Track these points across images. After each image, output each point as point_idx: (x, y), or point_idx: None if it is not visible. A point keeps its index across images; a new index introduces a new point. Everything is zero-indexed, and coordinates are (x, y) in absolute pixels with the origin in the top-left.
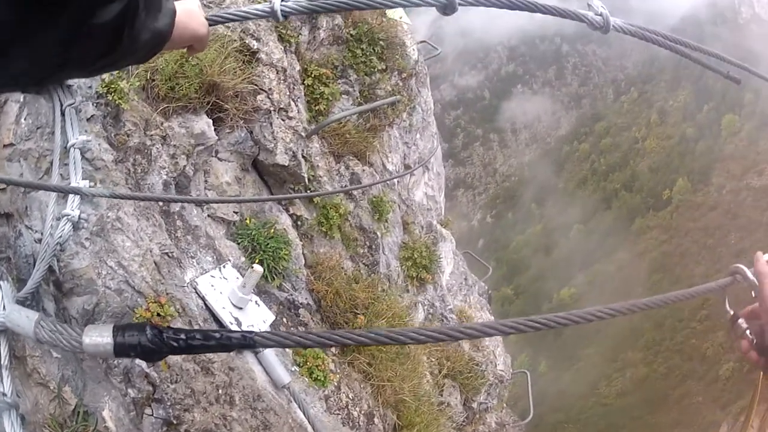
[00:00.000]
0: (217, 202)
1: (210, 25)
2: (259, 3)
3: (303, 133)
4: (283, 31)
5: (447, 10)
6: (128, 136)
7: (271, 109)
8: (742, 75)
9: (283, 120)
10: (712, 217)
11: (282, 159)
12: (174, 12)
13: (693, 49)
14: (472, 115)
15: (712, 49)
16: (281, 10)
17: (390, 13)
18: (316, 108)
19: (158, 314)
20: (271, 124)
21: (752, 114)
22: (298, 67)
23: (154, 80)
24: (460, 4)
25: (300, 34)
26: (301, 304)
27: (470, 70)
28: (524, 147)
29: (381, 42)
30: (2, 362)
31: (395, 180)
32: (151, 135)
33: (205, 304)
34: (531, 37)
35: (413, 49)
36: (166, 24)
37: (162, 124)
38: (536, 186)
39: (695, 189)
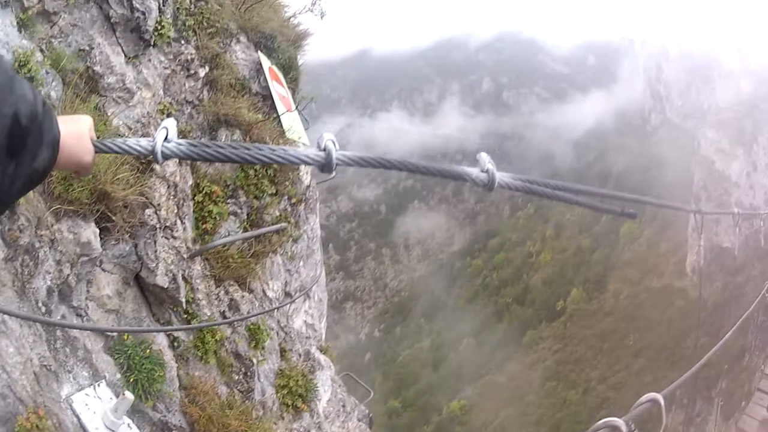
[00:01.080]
0: (86, 329)
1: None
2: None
3: (185, 255)
4: None
5: (324, 169)
6: (21, 231)
7: (157, 226)
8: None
9: (168, 239)
10: (608, 322)
11: (162, 281)
12: (57, 142)
13: (581, 193)
14: (366, 229)
15: (604, 190)
16: (161, 152)
17: (289, 133)
18: (204, 226)
19: (37, 426)
20: (155, 242)
21: (653, 219)
22: (190, 182)
23: (51, 175)
24: (337, 165)
25: None
26: (173, 426)
27: (369, 183)
28: (416, 263)
29: (274, 165)
30: None
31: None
32: (41, 236)
33: (80, 423)
34: (433, 153)
35: (306, 173)
36: (45, 159)
37: (52, 225)
38: (426, 301)
39: (590, 297)
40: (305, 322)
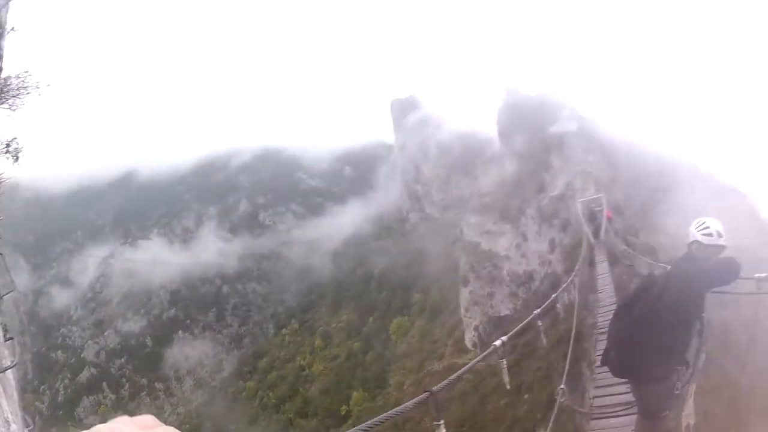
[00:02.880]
0: None
1: None
2: None
3: None
4: None
5: None
6: None
7: None
8: None
9: None
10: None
11: None
12: None
13: None
14: (136, 364)
15: None
16: None
17: None
18: None
19: None
20: None
21: (422, 311)
22: None
23: None
24: None
25: None
26: None
27: (134, 315)
28: (190, 393)
29: None
30: None
31: None
32: None
33: None
34: (192, 280)
35: None
36: None
37: None
38: (208, 430)
39: (373, 396)
40: None
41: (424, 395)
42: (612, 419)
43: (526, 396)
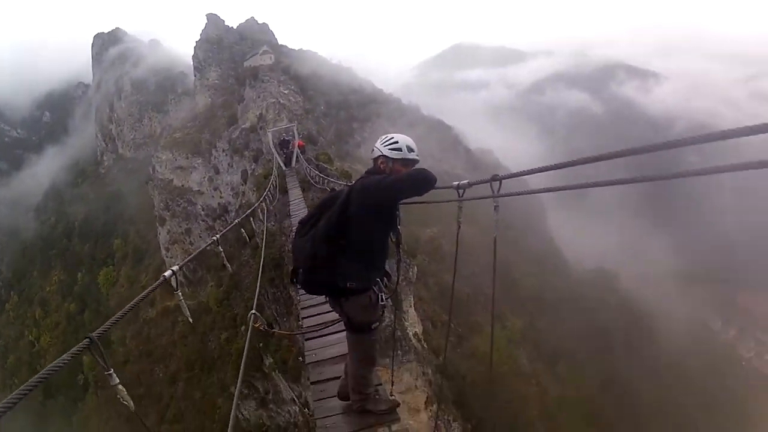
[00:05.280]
0: None
1: None
2: None
3: None
4: None
5: None
6: None
7: None
8: None
9: None
10: (127, 369)
11: None
12: None
13: None
14: None
15: None
16: None
17: None
18: None
19: None
20: None
21: (124, 257)
22: None
23: None
24: None
25: None
26: None
27: None
28: None
29: None
30: None
31: None
32: None
33: None
34: None
35: None
36: None
37: None
38: None
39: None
40: None
41: (84, 342)
42: (324, 338)
43: (242, 328)
